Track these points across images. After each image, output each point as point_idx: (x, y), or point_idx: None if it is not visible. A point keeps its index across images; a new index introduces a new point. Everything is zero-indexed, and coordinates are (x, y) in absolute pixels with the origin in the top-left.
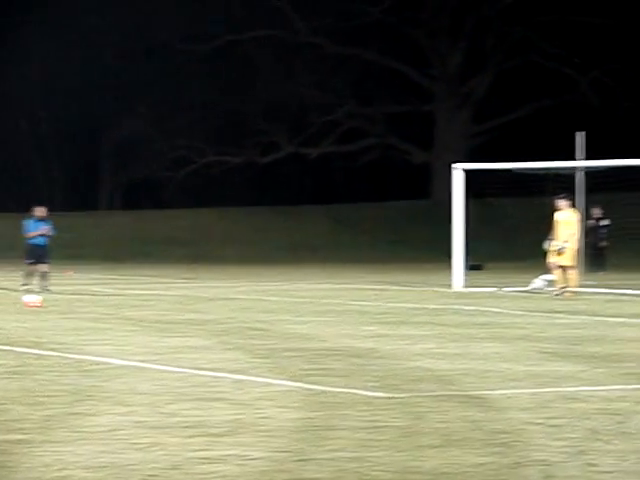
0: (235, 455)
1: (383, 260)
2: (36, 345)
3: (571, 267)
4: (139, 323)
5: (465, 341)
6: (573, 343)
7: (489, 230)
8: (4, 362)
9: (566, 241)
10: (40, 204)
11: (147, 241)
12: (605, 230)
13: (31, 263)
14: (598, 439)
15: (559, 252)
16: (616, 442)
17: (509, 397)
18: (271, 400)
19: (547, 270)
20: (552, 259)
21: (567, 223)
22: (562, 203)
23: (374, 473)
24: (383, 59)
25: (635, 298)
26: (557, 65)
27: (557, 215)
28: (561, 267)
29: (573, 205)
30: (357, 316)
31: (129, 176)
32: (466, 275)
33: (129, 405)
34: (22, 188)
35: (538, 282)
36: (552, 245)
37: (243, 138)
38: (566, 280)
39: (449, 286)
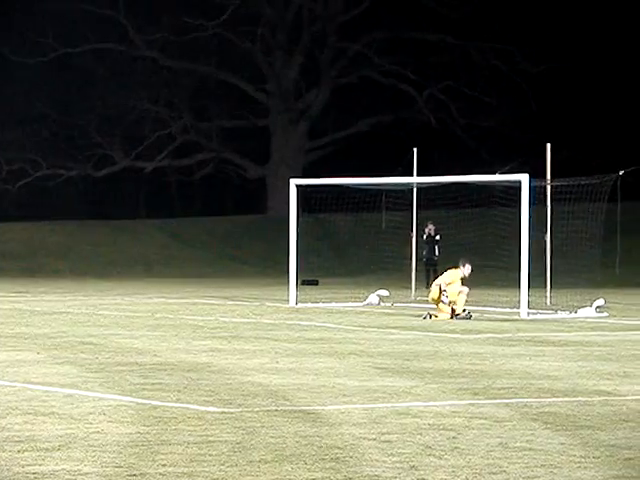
0: (66, 470)
1: (219, 275)
2: None
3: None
4: None
5: (298, 356)
6: (406, 358)
7: (323, 245)
8: None
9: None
10: None
11: None
12: (438, 245)
13: None
14: (430, 454)
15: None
16: (448, 457)
17: (342, 412)
18: (103, 415)
19: (382, 286)
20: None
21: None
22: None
23: None
24: (219, 73)
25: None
26: (393, 81)
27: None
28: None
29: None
30: (191, 331)
31: None
32: (301, 290)
33: None
34: None
35: (372, 298)
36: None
37: (78, 151)
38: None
39: (285, 301)
